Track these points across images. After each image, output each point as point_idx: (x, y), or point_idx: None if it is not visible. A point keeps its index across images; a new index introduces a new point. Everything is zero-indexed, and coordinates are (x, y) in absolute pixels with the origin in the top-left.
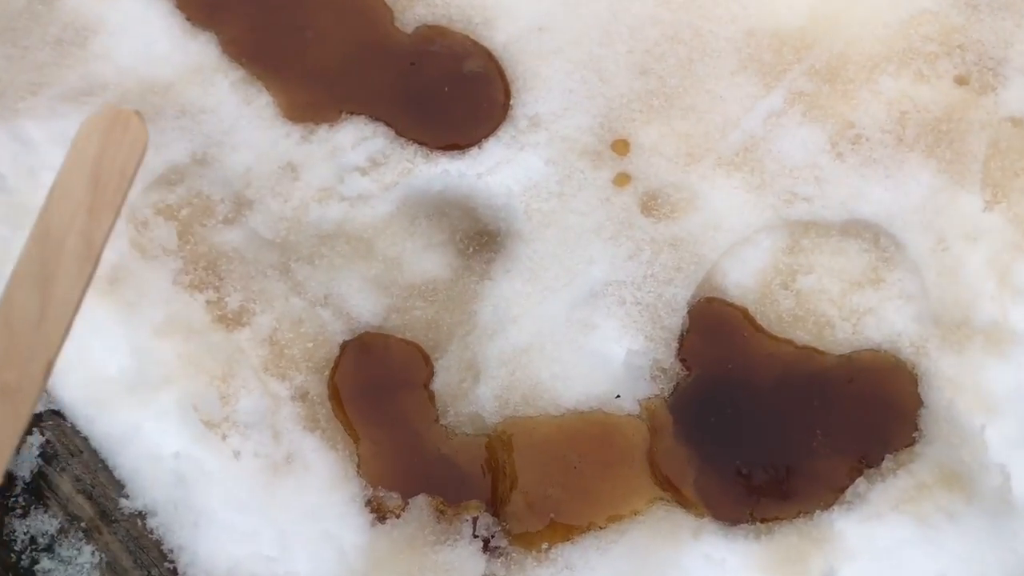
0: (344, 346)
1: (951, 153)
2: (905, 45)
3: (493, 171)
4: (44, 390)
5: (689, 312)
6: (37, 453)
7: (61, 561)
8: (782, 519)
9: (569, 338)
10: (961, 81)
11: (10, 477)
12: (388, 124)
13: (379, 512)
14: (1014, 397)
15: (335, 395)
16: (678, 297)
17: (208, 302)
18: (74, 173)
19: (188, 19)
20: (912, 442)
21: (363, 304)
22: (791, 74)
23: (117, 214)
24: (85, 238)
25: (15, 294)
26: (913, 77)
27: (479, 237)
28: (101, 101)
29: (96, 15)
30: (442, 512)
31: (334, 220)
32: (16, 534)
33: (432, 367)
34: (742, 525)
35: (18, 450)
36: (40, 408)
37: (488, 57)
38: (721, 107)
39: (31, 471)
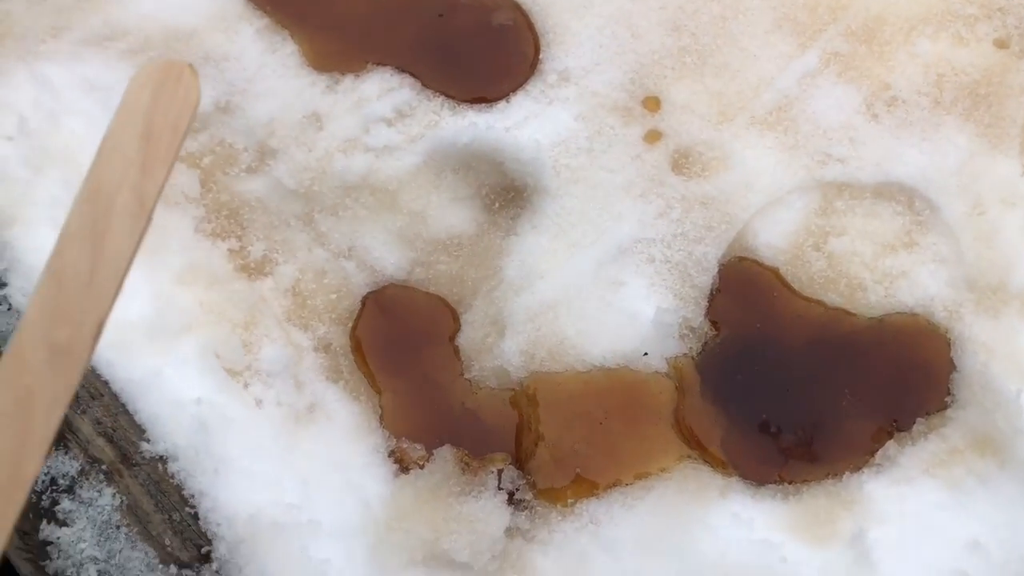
0: (366, 298)
1: (989, 117)
2: (944, 7)
3: (521, 125)
4: (95, 349)
5: (719, 271)
6: None
7: (82, 503)
8: (810, 481)
9: (596, 295)
10: (1001, 44)
11: None
12: (414, 76)
13: (402, 463)
14: None
15: (358, 347)
16: (708, 256)
17: (230, 251)
18: (125, 128)
19: None
20: (944, 407)
21: (387, 257)
22: (826, 34)
23: (170, 170)
24: (137, 194)
25: (66, 252)
26: (951, 40)
27: (506, 192)
28: (123, 47)
29: None
30: (467, 464)
31: (359, 171)
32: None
33: (459, 321)
34: (770, 485)
35: None
36: None
37: (517, 10)
38: (755, 66)
39: None
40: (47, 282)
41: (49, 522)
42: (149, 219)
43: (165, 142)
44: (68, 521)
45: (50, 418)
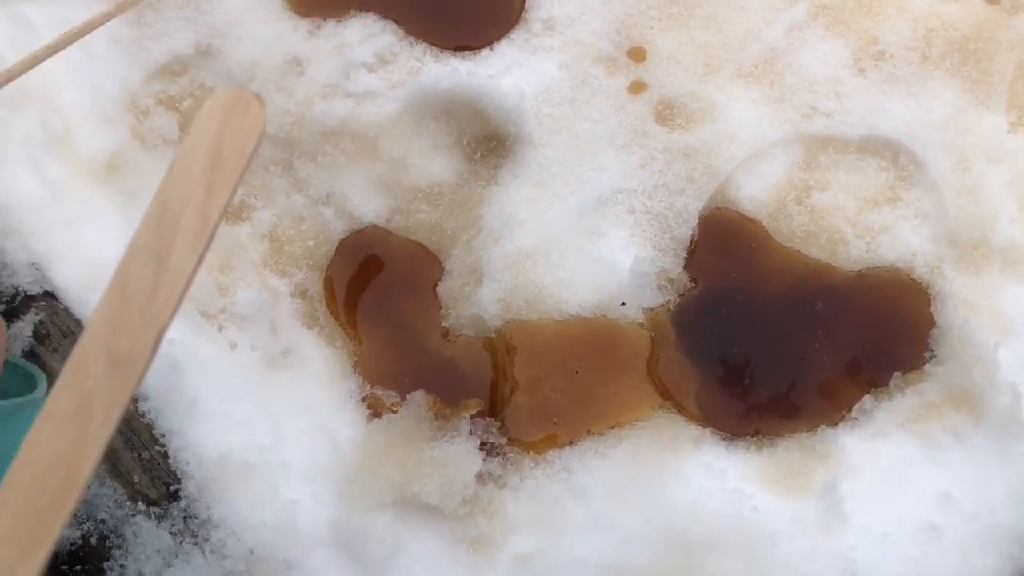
0: (343, 242)
1: (977, 73)
2: None
3: (504, 74)
4: (153, 360)
5: (700, 223)
6: (30, 332)
7: None
8: (785, 435)
9: (576, 244)
10: (991, 0)
11: None
12: (397, 22)
13: (375, 409)
14: None
15: (329, 290)
16: (689, 208)
17: None
18: (194, 150)
19: None
20: (923, 362)
21: (366, 204)
22: None
23: (233, 193)
24: (201, 214)
25: (131, 264)
26: None
27: (487, 141)
28: None
29: None
30: (440, 410)
31: (339, 117)
32: None
33: (442, 269)
34: (744, 437)
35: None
36: (35, 290)
37: None
38: (743, 18)
39: (22, 350)
40: (112, 293)
41: None
42: (211, 238)
43: (230, 166)
44: None
45: (107, 423)
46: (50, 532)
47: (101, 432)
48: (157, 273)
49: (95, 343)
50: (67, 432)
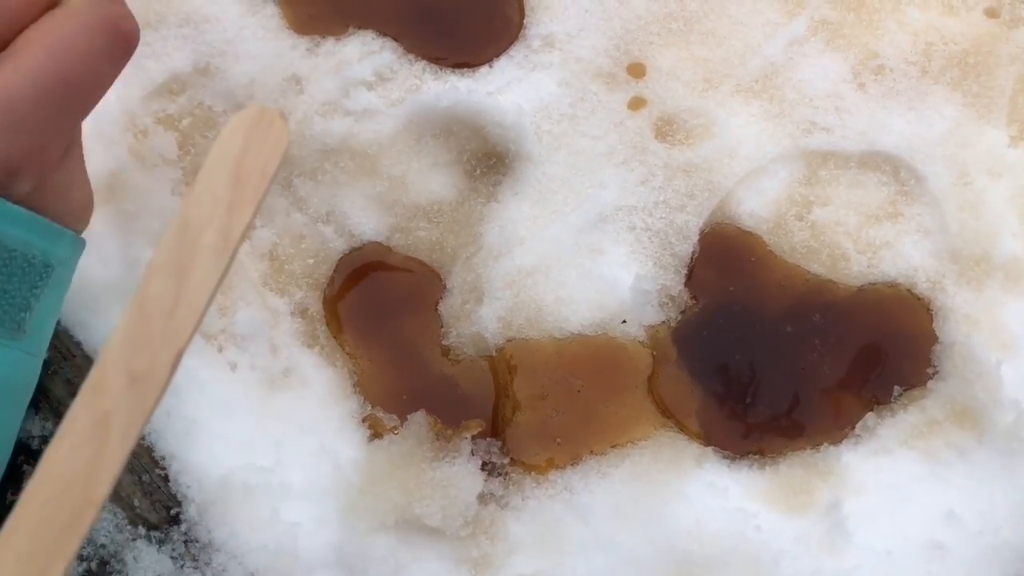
0: (343, 260)
1: (977, 87)
2: None
3: (504, 90)
4: (172, 379)
5: (700, 239)
6: None
7: None
8: (787, 453)
9: (576, 262)
10: (992, 13)
11: None
12: (396, 39)
13: (375, 429)
14: None
15: (330, 309)
16: (690, 224)
17: None
18: (216, 169)
19: None
20: (925, 379)
21: (366, 222)
22: (815, 2)
23: (255, 212)
24: (223, 233)
25: (152, 282)
26: (941, 8)
27: (487, 158)
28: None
29: None
30: (441, 430)
31: (338, 135)
32: None
33: (443, 287)
34: (747, 455)
35: None
36: None
37: None
38: (742, 33)
39: None
40: (132, 311)
41: (17, 484)
42: (232, 258)
43: (253, 185)
44: None
45: (124, 443)
46: (65, 551)
47: (119, 451)
48: (177, 292)
49: (113, 361)
50: (84, 451)
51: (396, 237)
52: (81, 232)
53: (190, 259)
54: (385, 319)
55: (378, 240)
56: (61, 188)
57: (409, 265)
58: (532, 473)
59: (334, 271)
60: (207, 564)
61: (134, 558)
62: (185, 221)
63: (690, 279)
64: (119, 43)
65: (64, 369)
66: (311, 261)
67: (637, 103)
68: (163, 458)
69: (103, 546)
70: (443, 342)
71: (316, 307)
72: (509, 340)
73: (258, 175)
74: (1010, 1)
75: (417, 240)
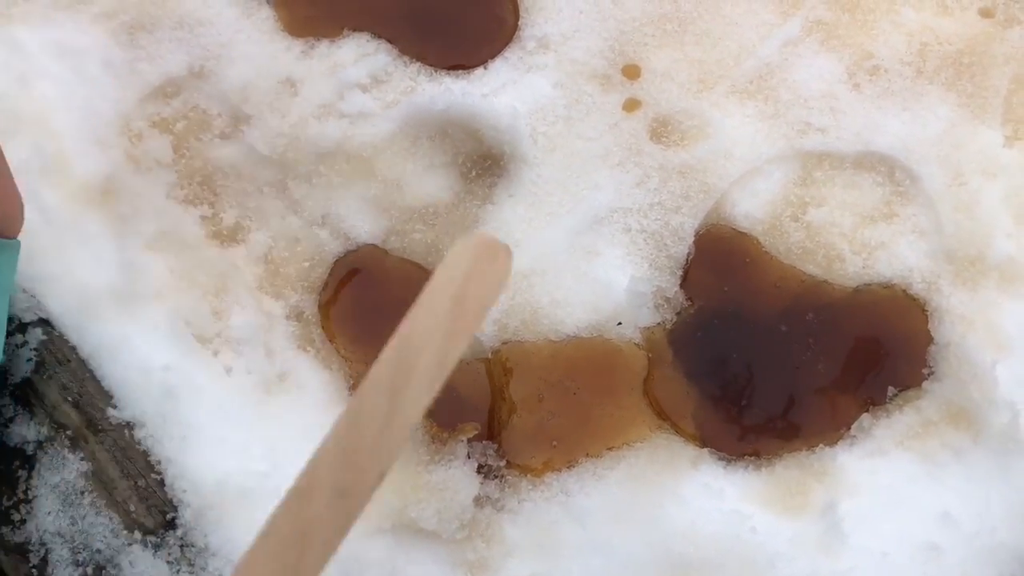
0: (338, 263)
1: (972, 87)
2: None
3: (499, 92)
4: (372, 497)
5: (696, 241)
6: (28, 358)
7: (47, 469)
8: (783, 454)
9: (571, 264)
10: (986, 13)
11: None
12: (391, 42)
13: None
14: None
15: (325, 312)
16: (685, 226)
17: (202, 217)
18: (439, 293)
19: None
20: (921, 379)
21: (361, 225)
22: (810, 2)
23: (469, 341)
24: (438, 358)
25: (367, 397)
26: (936, 8)
27: (482, 160)
28: (96, 10)
29: None
30: (436, 434)
31: (333, 138)
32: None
33: None
34: (743, 457)
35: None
36: (30, 317)
37: None
38: (736, 34)
39: (23, 376)
40: (345, 423)
41: (12, 489)
42: (443, 382)
43: (472, 315)
44: (31, 488)
45: (323, 555)
46: None
47: (315, 563)
48: (390, 410)
49: (322, 472)
50: (282, 558)
51: (392, 240)
52: (15, 236)
53: (405, 380)
54: (380, 322)
55: (374, 243)
56: None
57: (404, 268)
58: (528, 476)
59: (329, 274)
60: (203, 569)
61: (130, 563)
62: (405, 340)
63: (685, 281)
64: None
65: (59, 374)
66: (306, 264)
67: (632, 104)
68: (159, 463)
69: (99, 551)
70: None
71: (311, 310)
72: (505, 342)
73: (478, 306)
74: (1004, 1)
75: (413, 242)
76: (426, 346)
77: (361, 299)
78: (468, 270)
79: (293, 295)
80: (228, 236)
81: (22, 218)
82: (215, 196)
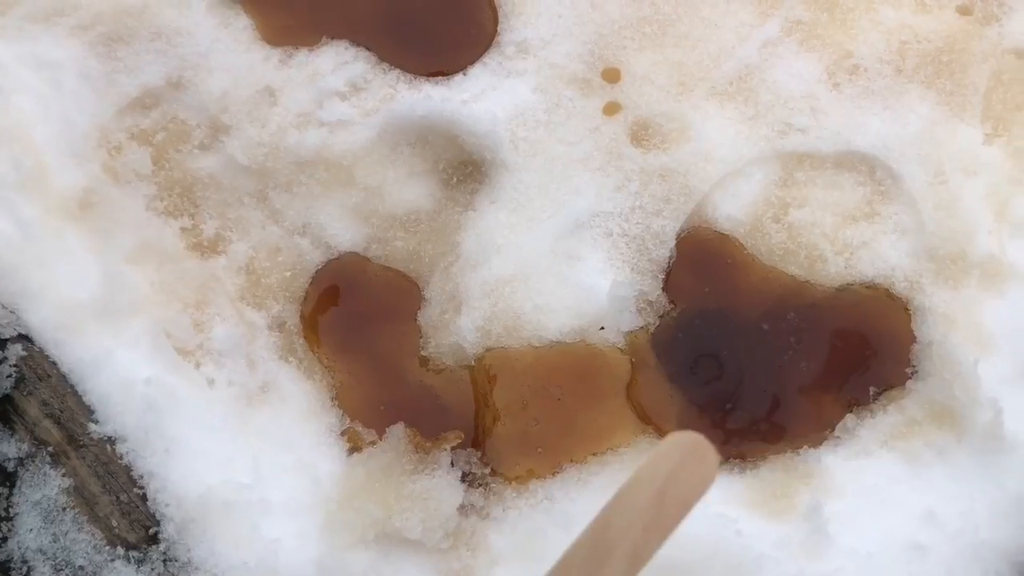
0: (319, 272)
1: (951, 85)
2: None
3: (478, 98)
4: None
5: (677, 244)
6: (8, 375)
7: (28, 485)
8: (768, 456)
9: (554, 269)
10: (964, 11)
11: None
12: (369, 49)
13: (354, 443)
14: (1008, 333)
15: (307, 322)
16: (666, 229)
17: (183, 229)
18: (644, 485)
19: None
20: (904, 379)
21: (342, 233)
22: (788, 2)
23: (667, 538)
24: (633, 551)
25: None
26: (914, 6)
27: (463, 167)
28: (72, 23)
29: None
30: (420, 442)
31: (313, 147)
32: None
33: (421, 297)
34: (727, 460)
35: None
36: (9, 333)
37: None
38: (716, 35)
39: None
40: None
41: None
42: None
43: (673, 512)
44: (12, 505)
45: None
46: None
47: None
48: None
49: None
50: None
51: (373, 248)
52: None
53: (599, 566)
54: (363, 331)
55: (355, 251)
56: None
57: (386, 276)
58: (512, 483)
59: (311, 283)
60: None
61: None
62: (604, 527)
63: (668, 284)
64: None
65: (39, 390)
66: (288, 274)
67: (612, 108)
68: (141, 477)
69: (81, 568)
70: (422, 352)
71: (293, 320)
72: (488, 349)
73: (680, 504)
74: None
75: (394, 250)
76: (624, 537)
77: (343, 308)
78: (674, 467)
79: (275, 305)
80: (209, 247)
81: None
82: (195, 207)
